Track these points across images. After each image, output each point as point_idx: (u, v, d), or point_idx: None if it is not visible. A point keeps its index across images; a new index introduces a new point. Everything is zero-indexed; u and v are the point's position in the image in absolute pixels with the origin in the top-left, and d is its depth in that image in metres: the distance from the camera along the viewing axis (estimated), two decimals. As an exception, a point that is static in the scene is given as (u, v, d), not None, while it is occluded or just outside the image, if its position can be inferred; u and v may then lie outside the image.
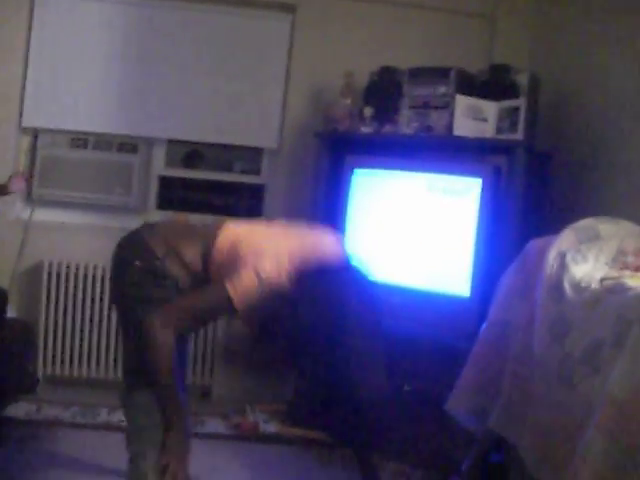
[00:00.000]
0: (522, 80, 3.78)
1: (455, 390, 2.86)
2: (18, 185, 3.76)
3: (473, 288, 3.48)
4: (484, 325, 2.86)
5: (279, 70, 4.65)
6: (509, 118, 3.65)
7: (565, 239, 2.63)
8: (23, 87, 4.52)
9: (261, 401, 4.29)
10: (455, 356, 3.13)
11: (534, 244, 2.78)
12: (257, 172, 4.75)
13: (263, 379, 4.46)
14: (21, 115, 4.53)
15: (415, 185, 3.76)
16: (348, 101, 4.11)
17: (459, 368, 2.89)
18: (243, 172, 4.78)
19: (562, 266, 2.53)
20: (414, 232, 3.76)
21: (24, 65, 4.51)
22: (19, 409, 3.96)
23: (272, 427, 4.11)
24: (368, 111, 4.00)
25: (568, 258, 2.54)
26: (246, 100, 4.62)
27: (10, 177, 3.74)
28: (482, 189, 3.50)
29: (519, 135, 3.60)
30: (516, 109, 3.64)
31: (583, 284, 2.41)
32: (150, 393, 2.51)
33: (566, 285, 2.47)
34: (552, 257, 2.58)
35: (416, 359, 3.54)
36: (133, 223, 3.01)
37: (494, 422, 2.69)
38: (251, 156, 4.71)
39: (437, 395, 3.12)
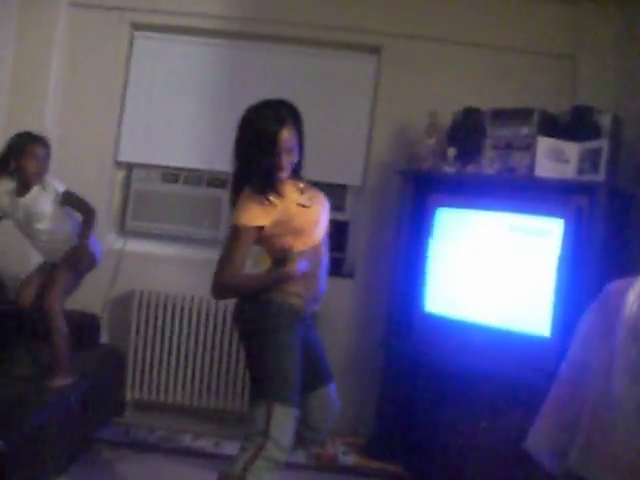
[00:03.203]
0: (605, 121, 3.79)
1: (534, 429, 2.86)
2: None
3: (554, 328, 3.49)
4: (563, 365, 2.87)
5: (364, 109, 4.77)
6: (591, 159, 3.67)
7: (645, 280, 2.64)
8: (119, 124, 4.78)
9: (341, 433, 4.35)
10: (534, 395, 3.13)
11: (614, 285, 2.78)
12: (341, 209, 4.84)
13: (343, 411, 4.52)
14: (117, 150, 4.78)
15: (497, 225, 3.80)
16: (432, 141, 4.18)
17: (538, 407, 2.91)
18: (328, 208, 4.87)
19: (642, 308, 2.54)
20: (495, 271, 3.79)
21: (121, 103, 4.78)
22: (108, 431, 4.14)
23: (351, 459, 4.21)
24: (451, 151, 4.08)
25: (648, 300, 2.55)
26: (332, 138, 4.73)
27: None
28: (565, 229, 3.52)
29: (601, 176, 3.62)
30: (598, 150, 3.66)
31: (662, 326, 2.42)
32: None
33: (645, 327, 2.48)
34: (632, 298, 2.59)
35: (494, 397, 3.55)
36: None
37: (574, 462, 2.68)
38: (336, 193, 4.77)
39: (514, 433, 3.13)
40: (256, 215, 2.76)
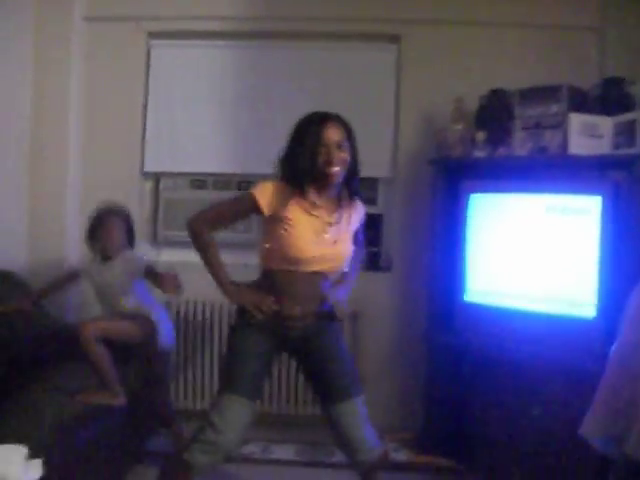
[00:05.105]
0: (637, 91, 3.70)
1: (589, 414, 2.78)
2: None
3: (599, 308, 3.41)
4: (614, 347, 2.79)
5: (388, 100, 4.70)
6: (626, 132, 3.56)
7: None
8: (143, 135, 4.76)
9: (391, 430, 4.29)
10: (583, 379, 3.07)
11: (660, 261, 2.71)
12: (373, 202, 4.77)
13: (392, 408, 4.47)
14: (143, 161, 4.77)
15: (533, 206, 3.71)
16: (459, 126, 4.11)
17: (588, 391, 2.83)
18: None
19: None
20: (535, 254, 3.70)
21: (143, 114, 4.76)
22: (157, 443, 4.11)
23: (402, 455, 4.15)
24: (480, 135, 3.99)
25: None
26: (358, 132, 4.63)
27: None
28: (603, 206, 3.42)
29: (638, 149, 3.51)
30: (633, 122, 3.56)
31: None
32: None
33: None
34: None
35: (543, 383, 3.47)
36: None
37: (632, 447, 2.60)
38: (367, 186, 4.68)
39: (566, 418, 3.06)
40: (267, 200, 2.75)
